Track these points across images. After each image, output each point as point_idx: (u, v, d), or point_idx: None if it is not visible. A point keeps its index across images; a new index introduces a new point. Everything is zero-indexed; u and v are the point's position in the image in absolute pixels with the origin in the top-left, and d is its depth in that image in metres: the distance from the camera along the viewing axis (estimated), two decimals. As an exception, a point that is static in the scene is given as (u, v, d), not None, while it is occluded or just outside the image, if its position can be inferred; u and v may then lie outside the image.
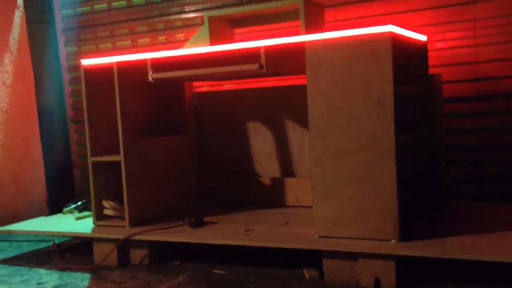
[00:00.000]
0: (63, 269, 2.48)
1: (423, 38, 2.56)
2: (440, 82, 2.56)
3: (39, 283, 2.31)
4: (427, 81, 2.51)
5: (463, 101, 2.77)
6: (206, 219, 2.59)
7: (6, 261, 2.70)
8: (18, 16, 3.65)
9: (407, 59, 2.38)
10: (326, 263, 2.07)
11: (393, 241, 2.02)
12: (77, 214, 3.02)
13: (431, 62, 2.66)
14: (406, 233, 2.05)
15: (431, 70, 2.64)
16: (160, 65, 2.50)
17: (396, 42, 2.07)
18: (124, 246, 2.46)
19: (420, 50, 2.55)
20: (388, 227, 2.02)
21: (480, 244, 1.95)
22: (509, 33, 2.65)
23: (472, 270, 2.06)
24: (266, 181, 2.95)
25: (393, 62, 1.99)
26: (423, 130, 2.48)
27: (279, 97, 2.90)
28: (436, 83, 2.52)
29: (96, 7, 3.76)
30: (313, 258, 2.16)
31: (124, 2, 3.65)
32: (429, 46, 2.63)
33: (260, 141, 2.97)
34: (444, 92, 2.62)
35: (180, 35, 3.47)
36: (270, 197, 2.91)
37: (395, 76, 2.00)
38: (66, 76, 3.97)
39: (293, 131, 2.88)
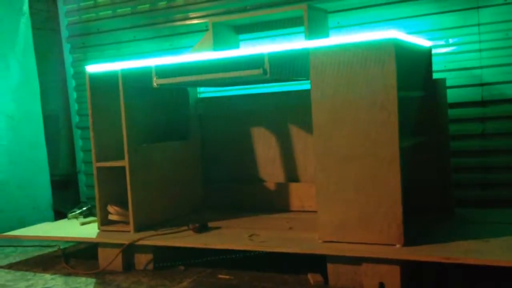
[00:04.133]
0: (68, 274, 2.49)
1: (427, 43, 2.57)
2: (445, 87, 2.56)
3: (44, 288, 2.32)
4: (431, 86, 2.51)
5: (467, 106, 2.77)
6: (210, 224, 2.60)
7: (12, 266, 2.71)
8: (24, 23, 3.67)
9: (411, 64, 2.39)
10: (331, 267, 2.07)
11: (397, 245, 2.01)
12: (82, 220, 3.03)
13: (435, 67, 2.66)
14: (410, 237, 2.04)
15: (435, 75, 2.64)
16: (164, 71, 2.51)
17: (400, 47, 2.07)
18: (128, 251, 2.46)
19: (424, 55, 2.55)
20: (393, 232, 2.02)
21: (485, 249, 1.95)
22: (513, 38, 2.65)
23: (476, 275, 2.05)
24: (271, 186, 2.95)
25: (397, 67, 1.99)
26: (427, 135, 2.48)
27: (283, 102, 2.91)
28: (440, 88, 2.52)
29: (101, 13, 3.78)
30: (317, 262, 2.16)
31: (128, 8, 3.67)
32: (433, 51, 2.64)
33: (265, 146, 2.98)
34: (448, 97, 2.62)
35: (185, 41, 3.49)
36: (275, 202, 2.91)
37: (399, 81, 2.01)
38: (71, 83, 3.99)
39: (297, 136, 2.88)
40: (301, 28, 2.50)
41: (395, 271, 1.95)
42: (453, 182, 2.61)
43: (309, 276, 2.17)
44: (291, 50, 2.26)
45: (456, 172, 2.70)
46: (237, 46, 2.84)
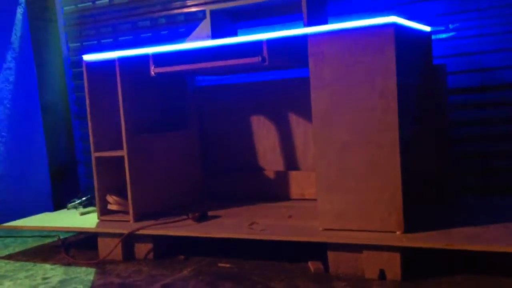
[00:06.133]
0: (68, 264, 2.49)
1: (427, 28, 2.55)
2: (445, 73, 2.54)
3: (44, 278, 2.32)
4: (431, 72, 2.49)
5: (468, 92, 2.75)
6: (210, 213, 2.59)
7: (11, 257, 2.71)
8: (20, 13, 3.64)
9: (411, 50, 2.36)
10: (331, 255, 2.07)
11: (398, 232, 2.01)
12: (81, 210, 3.02)
13: (435, 52, 2.64)
14: (411, 224, 2.04)
15: (435, 61, 2.62)
16: (162, 59, 2.49)
17: (400, 33, 2.05)
18: (128, 241, 2.46)
19: (425, 41, 2.53)
20: (393, 219, 2.02)
21: (485, 235, 1.95)
22: (513, 23, 2.63)
23: (477, 261, 2.05)
24: (270, 174, 2.94)
25: (396, 53, 1.97)
26: (428, 122, 2.47)
27: (282, 90, 2.89)
28: (440, 74, 2.51)
29: (98, 2, 3.75)
30: (317, 250, 2.16)
31: (125, -3, 3.64)
32: (433, 37, 2.61)
33: (264, 135, 2.97)
34: (449, 83, 2.60)
35: (182, 30, 3.46)
36: (275, 190, 2.91)
37: (399, 67, 1.99)
38: (69, 72, 3.97)
39: (297, 124, 2.87)
40: (300, 15, 2.48)
41: (396, 258, 1.94)
42: (453, 169, 2.60)
43: (310, 264, 2.16)
44: (290, 37, 2.23)
45: (456, 159, 2.69)
46: (235, 34, 2.82)
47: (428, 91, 2.48)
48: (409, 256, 2.02)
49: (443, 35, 2.77)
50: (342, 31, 2.06)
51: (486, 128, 2.73)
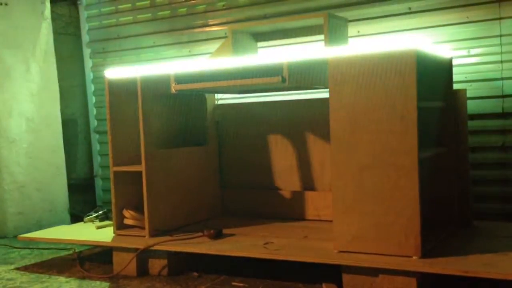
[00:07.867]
0: (83, 278, 2.50)
1: (448, 53, 2.54)
2: (465, 98, 2.53)
3: (58, 291, 2.33)
4: (451, 97, 2.48)
5: (488, 117, 2.73)
6: (225, 231, 2.59)
7: (27, 268, 2.73)
8: (45, 27, 3.72)
9: (431, 75, 2.36)
10: (346, 278, 2.05)
11: (414, 257, 1.98)
12: (97, 223, 3.04)
13: (455, 78, 2.63)
14: (428, 249, 2.01)
15: (455, 86, 2.61)
16: (183, 77, 2.51)
17: (421, 57, 2.05)
18: (143, 256, 2.46)
19: (445, 66, 2.53)
20: (410, 243, 1.99)
21: (503, 263, 1.91)
22: (535, 50, 2.62)
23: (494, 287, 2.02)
24: (287, 194, 2.93)
25: (417, 77, 1.97)
26: (447, 146, 2.45)
27: (301, 110, 2.90)
28: (460, 99, 2.49)
29: (122, 19, 3.81)
30: (332, 272, 2.14)
31: (149, 15, 3.70)
32: (454, 62, 2.61)
33: (281, 154, 2.97)
34: (469, 108, 2.58)
35: (204, 48, 3.50)
36: (290, 210, 2.89)
37: (419, 91, 1.99)
38: (91, 87, 4.03)
39: (315, 144, 2.86)
40: (320, 36, 2.49)
41: (412, 283, 1.92)
42: (472, 195, 2.57)
43: (324, 286, 2.14)
44: (311, 58, 2.25)
45: (475, 184, 2.66)
46: (256, 53, 2.84)
47: (448, 115, 2.47)
48: (426, 281, 1.99)
49: (465, 60, 2.76)
50: (363, 54, 2.06)
51: (506, 154, 2.70)
